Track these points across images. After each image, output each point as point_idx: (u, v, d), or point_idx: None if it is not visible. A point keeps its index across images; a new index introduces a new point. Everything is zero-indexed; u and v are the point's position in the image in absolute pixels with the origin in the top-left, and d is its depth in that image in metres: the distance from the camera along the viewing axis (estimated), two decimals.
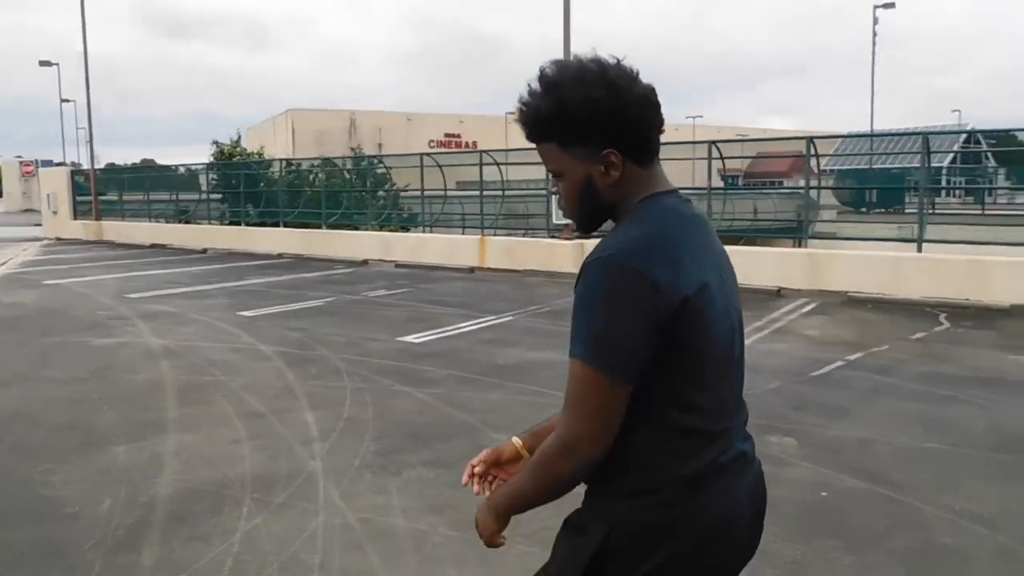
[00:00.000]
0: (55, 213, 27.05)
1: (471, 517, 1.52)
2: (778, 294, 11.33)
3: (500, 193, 17.20)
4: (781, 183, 40.72)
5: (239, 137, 25.53)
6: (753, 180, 42.56)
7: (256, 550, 3.39)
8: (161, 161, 39.28)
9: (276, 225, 20.07)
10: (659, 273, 1.26)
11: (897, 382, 6.47)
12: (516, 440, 1.62)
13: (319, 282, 13.48)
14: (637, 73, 1.38)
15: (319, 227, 18.87)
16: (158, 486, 4.18)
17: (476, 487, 1.59)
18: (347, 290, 12.31)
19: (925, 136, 11.71)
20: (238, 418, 5.39)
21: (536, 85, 1.37)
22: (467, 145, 46.13)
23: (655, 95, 1.39)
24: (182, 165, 24.32)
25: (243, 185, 21.31)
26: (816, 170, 13.16)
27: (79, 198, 26.62)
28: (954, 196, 33.70)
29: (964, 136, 36.99)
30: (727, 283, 1.42)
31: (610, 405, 1.29)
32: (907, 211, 28.42)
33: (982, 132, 31.12)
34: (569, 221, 1.60)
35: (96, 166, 26.59)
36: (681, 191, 1.45)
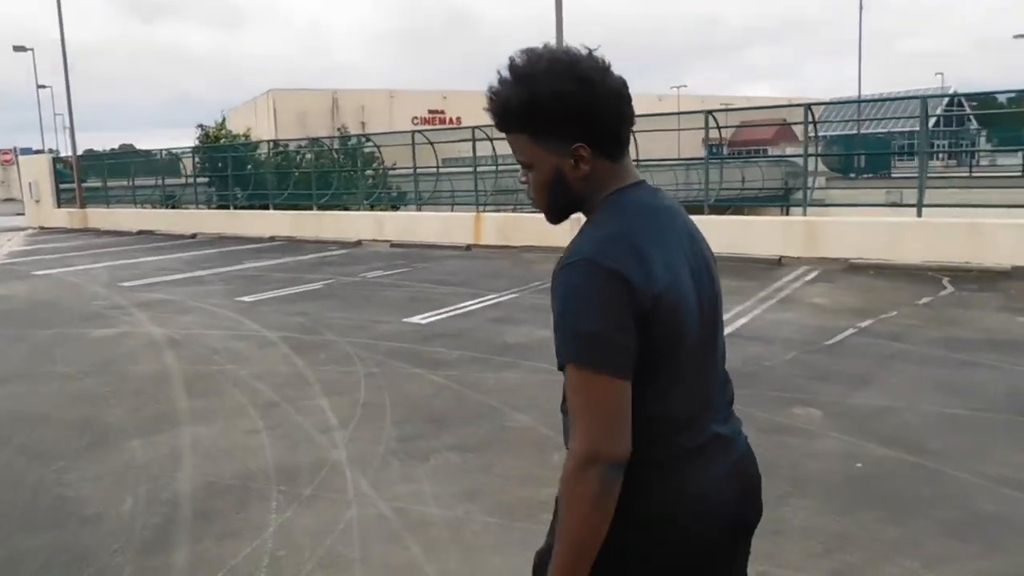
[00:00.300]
0: (37, 202, 26.61)
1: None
2: (779, 263, 11.29)
3: (493, 169, 17.00)
4: (766, 151, 40.65)
5: (224, 119, 25.12)
6: (737, 149, 42.45)
7: (291, 545, 3.31)
8: (140, 146, 38.71)
9: (265, 208, 19.80)
10: (631, 272, 1.26)
11: (911, 348, 6.45)
12: None
13: (315, 264, 13.31)
14: (609, 65, 1.35)
15: (309, 208, 18.63)
16: (178, 482, 4.08)
17: None
18: (344, 272, 12.16)
19: (924, 100, 11.63)
20: (252, 408, 5.28)
21: (507, 74, 1.34)
22: (451, 121, 45.73)
23: (626, 88, 1.37)
24: (165, 149, 23.89)
25: (231, 168, 20.98)
26: (815, 136, 13.05)
27: (62, 186, 26.17)
28: (938, 160, 33.78)
29: (947, 99, 37.02)
30: (702, 270, 1.40)
31: (618, 402, 1.26)
32: (893, 176, 28.52)
33: (964, 95, 31.15)
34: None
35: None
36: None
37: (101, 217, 24.17)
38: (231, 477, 4.09)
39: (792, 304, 8.46)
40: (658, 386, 1.31)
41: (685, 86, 57.50)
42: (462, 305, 8.78)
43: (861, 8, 37.96)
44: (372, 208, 18.51)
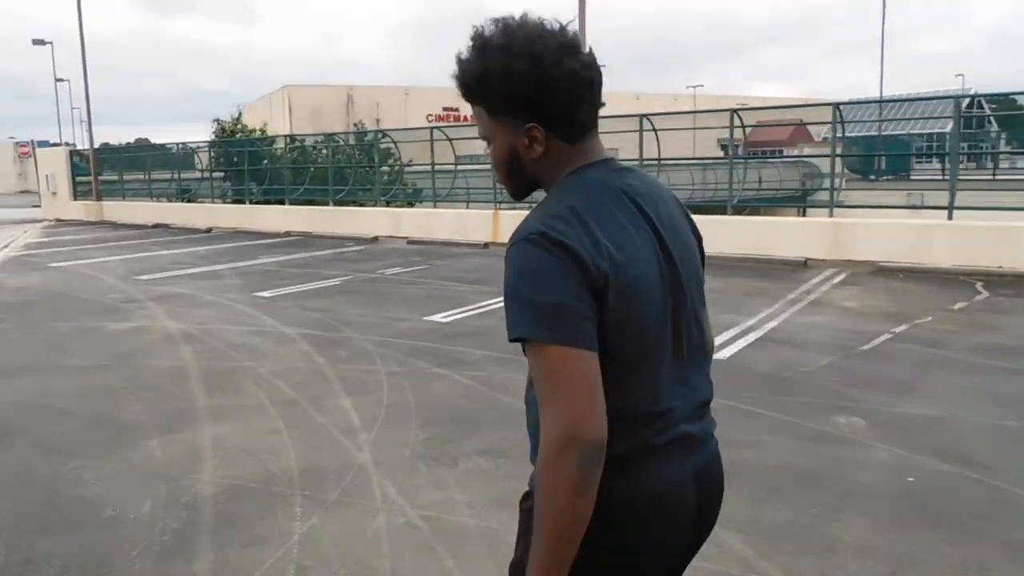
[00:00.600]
0: (54, 194, 26.66)
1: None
2: (804, 265, 11.06)
3: None
4: (781, 152, 40.21)
5: (240, 114, 25.06)
6: (752, 149, 42.03)
7: (318, 555, 3.14)
8: (155, 140, 38.78)
9: (281, 203, 19.70)
10: (581, 247, 1.19)
11: (951, 355, 6.22)
12: None
13: (332, 260, 13.18)
14: (576, 45, 1.27)
15: (325, 204, 18.50)
16: (199, 483, 3.92)
17: None
18: (362, 268, 12.01)
19: (957, 100, 11.41)
20: (272, 406, 5.12)
21: (470, 43, 1.29)
22: (466, 119, 45.47)
23: (591, 70, 1.28)
24: (181, 144, 23.85)
25: (247, 163, 20.89)
26: (842, 136, 12.80)
27: (78, 178, 26.21)
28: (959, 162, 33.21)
29: (967, 101, 36.44)
30: (676, 259, 1.31)
31: (588, 376, 1.16)
32: (912, 178, 28.09)
33: (984, 96, 30.65)
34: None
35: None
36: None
37: (117, 210, 24.17)
38: (253, 480, 3.93)
39: (822, 307, 8.23)
40: (613, 376, 1.21)
41: (702, 85, 56.91)
42: (483, 303, 8.61)
43: (884, 7, 37.42)
44: (388, 205, 18.36)
